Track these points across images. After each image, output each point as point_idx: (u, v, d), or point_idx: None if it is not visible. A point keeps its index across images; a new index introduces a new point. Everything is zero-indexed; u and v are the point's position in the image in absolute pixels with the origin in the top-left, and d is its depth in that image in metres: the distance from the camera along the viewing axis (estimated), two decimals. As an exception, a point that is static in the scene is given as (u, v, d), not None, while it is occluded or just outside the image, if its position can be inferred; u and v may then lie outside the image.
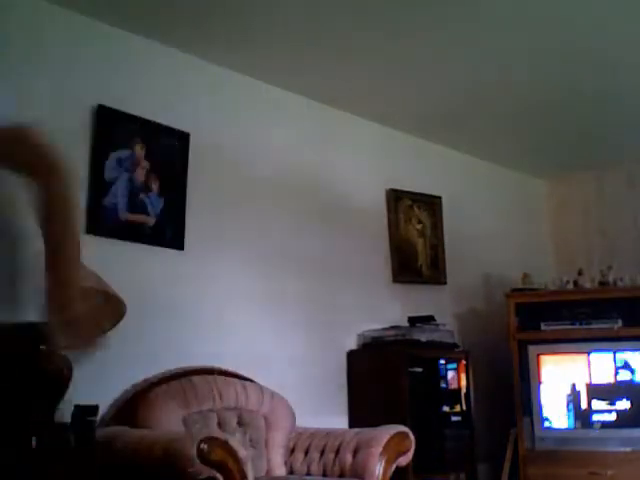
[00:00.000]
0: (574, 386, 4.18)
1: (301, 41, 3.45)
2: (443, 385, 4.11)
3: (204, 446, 2.30)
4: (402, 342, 3.89)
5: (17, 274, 2.70)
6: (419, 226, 4.60)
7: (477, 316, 4.71)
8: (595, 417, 4.12)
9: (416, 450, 3.13)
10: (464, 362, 4.21)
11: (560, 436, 4.15)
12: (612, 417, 4.08)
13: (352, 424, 3.79)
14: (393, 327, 4.01)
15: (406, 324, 4.07)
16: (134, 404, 2.90)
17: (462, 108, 4.20)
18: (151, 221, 3.29)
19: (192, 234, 3.40)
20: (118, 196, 3.18)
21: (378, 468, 2.96)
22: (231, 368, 3.33)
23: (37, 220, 2.37)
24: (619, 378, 4.11)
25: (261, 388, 3.30)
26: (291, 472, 3.19)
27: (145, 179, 3.30)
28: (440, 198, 4.69)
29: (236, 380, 3.25)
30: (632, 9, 3.16)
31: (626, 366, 4.12)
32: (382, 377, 3.81)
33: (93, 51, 3.22)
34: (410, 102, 4.15)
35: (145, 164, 3.30)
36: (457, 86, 3.94)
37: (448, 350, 4.16)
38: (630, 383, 4.09)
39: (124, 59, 3.32)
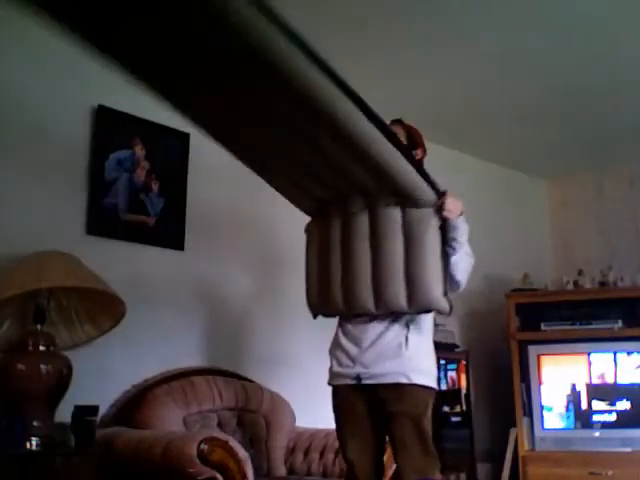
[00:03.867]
0: (574, 386, 4.18)
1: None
2: (443, 385, 4.11)
3: (204, 446, 2.30)
4: (402, 342, 3.88)
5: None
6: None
7: (477, 316, 4.71)
8: (595, 417, 4.12)
9: (416, 450, 3.12)
10: (464, 362, 4.21)
11: (560, 436, 4.15)
12: (612, 417, 4.08)
13: (352, 424, 3.79)
14: (393, 327, 4.00)
15: (406, 324, 4.06)
16: (134, 404, 2.90)
17: (462, 108, 4.19)
18: (151, 221, 3.29)
19: (192, 234, 3.40)
20: (118, 196, 3.18)
21: (378, 468, 2.96)
22: (231, 368, 3.34)
23: None
24: (619, 378, 4.11)
25: (261, 388, 3.30)
26: (291, 472, 3.19)
27: (145, 179, 3.29)
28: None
29: (236, 380, 3.25)
30: (633, 8, 3.16)
31: (626, 366, 4.12)
32: (382, 377, 3.80)
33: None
34: (409, 102, 4.15)
35: (145, 164, 3.30)
36: (457, 86, 3.94)
37: (448, 350, 4.16)
38: (630, 384, 4.09)
39: (124, 59, 3.31)
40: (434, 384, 2.33)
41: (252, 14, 1.60)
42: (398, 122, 2.59)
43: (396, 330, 2.30)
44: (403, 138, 2.50)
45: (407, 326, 2.30)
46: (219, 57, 1.80)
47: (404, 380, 2.23)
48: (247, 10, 1.59)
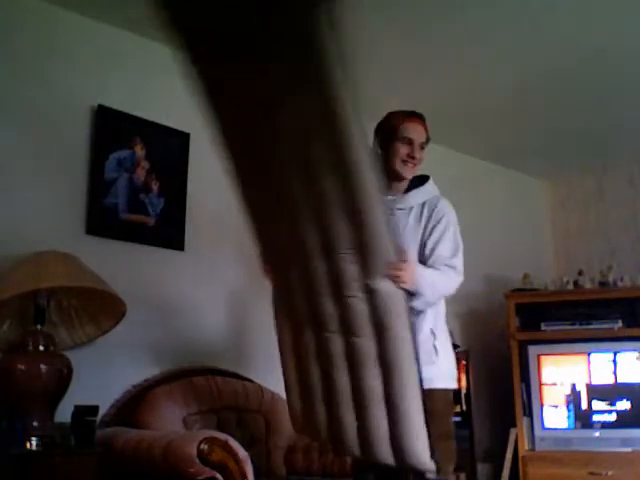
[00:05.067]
0: (574, 386, 4.18)
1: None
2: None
3: (204, 446, 2.30)
4: (402, 342, 3.88)
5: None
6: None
7: (477, 316, 4.71)
8: (595, 417, 4.11)
9: (416, 450, 3.12)
10: (464, 362, 4.20)
11: (560, 436, 4.14)
12: (612, 417, 4.08)
13: (352, 424, 3.78)
14: (393, 327, 4.00)
15: (406, 324, 4.05)
16: (134, 404, 2.90)
17: (462, 108, 4.19)
18: (151, 221, 3.29)
19: (192, 234, 3.40)
20: (118, 196, 3.18)
21: (378, 468, 2.96)
22: (231, 368, 3.33)
23: None
24: (619, 378, 4.11)
25: (261, 388, 3.30)
26: (291, 472, 3.19)
27: (145, 179, 3.30)
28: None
29: (236, 380, 3.24)
30: (633, 7, 3.16)
31: (626, 366, 4.12)
32: (382, 377, 3.80)
33: (93, 51, 3.21)
34: (409, 101, 4.14)
35: (145, 164, 3.30)
36: (457, 86, 3.94)
37: (448, 350, 4.16)
38: (630, 383, 4.09)
39: (124, 59, 3.31)
40: (455, 382, 2.42)
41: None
42: (419, 117, 2.51)
43: (425, 335, 2.30)
44: (423, 137, 2.50)
45: (433, 334, 2.32)
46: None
47: (436, 386, 2.26)
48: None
